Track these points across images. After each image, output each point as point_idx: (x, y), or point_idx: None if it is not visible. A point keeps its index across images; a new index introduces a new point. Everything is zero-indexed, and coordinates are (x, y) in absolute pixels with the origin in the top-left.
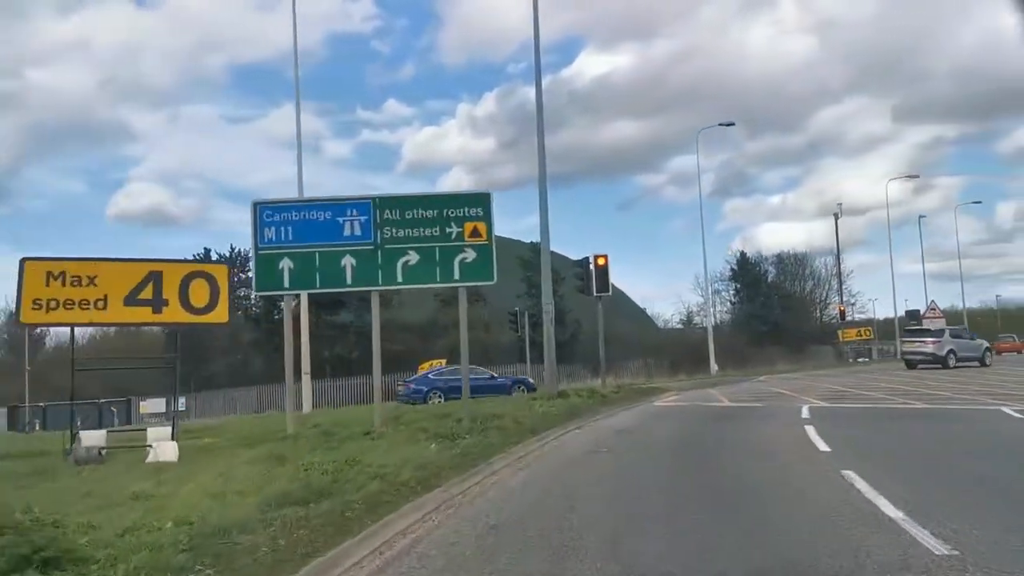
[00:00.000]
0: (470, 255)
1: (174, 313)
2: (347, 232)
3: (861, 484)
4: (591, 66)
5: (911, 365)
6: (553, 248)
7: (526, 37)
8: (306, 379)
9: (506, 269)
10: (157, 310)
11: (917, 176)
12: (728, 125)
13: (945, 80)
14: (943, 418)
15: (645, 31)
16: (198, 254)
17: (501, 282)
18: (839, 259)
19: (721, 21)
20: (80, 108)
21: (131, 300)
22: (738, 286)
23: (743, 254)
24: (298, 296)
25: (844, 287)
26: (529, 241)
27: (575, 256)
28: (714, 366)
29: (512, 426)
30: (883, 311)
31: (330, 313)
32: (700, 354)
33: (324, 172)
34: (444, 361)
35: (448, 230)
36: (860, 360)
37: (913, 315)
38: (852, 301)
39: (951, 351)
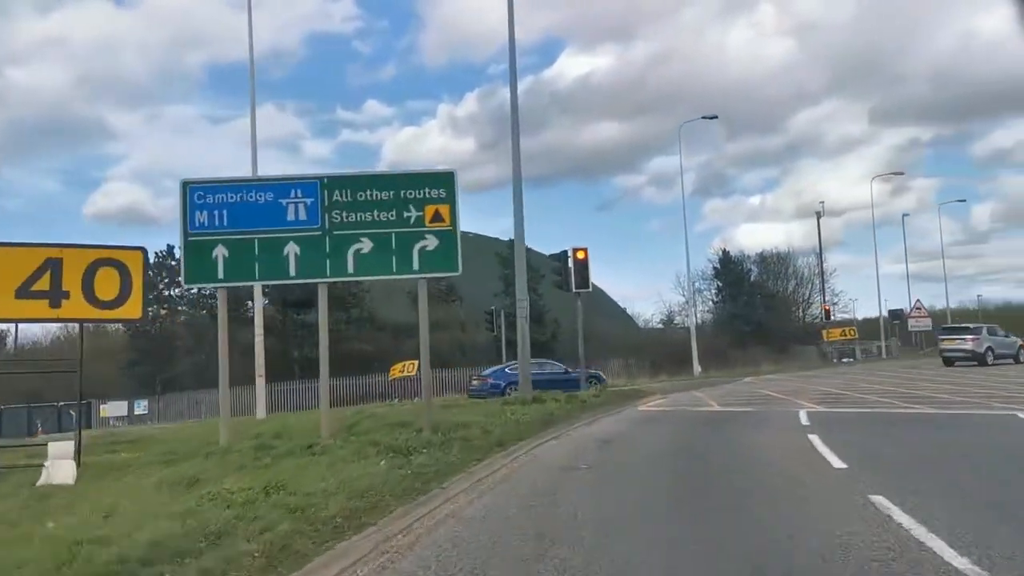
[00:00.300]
0: (431, 242)
1: (76, 308)
2: (291, 216)
3: (901, 516)
4: (572, 67)
5: (949, 362)
6: (532, 247)
7: (507, 38)
8: (260, 382)
9: (484, 267)
10: (55, 304)
11: (902, 173)
12: (711, 118)
13: (921, 83)
14: (958, 425)
15: (625, 33)
16: (160, 252)
17: (478, 280)
18: (821, 258)
19: (701, 23)
20: (59, 107)
21: (23, 292)
22: (720, 285)
23: (725, 252)
24: (252, 289)
25: (827, 287)
26: (508, 239)
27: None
28: (697, 367)
29: (479, 437)
30: (861, 311)
31: (299, 312)
32: (682, 354)
33: (303, 172)
34: (416, 363)
35: (406, 214)
36: (844, 360)
37: (896, 315)
38: (835, 301)
39: (989, 348)
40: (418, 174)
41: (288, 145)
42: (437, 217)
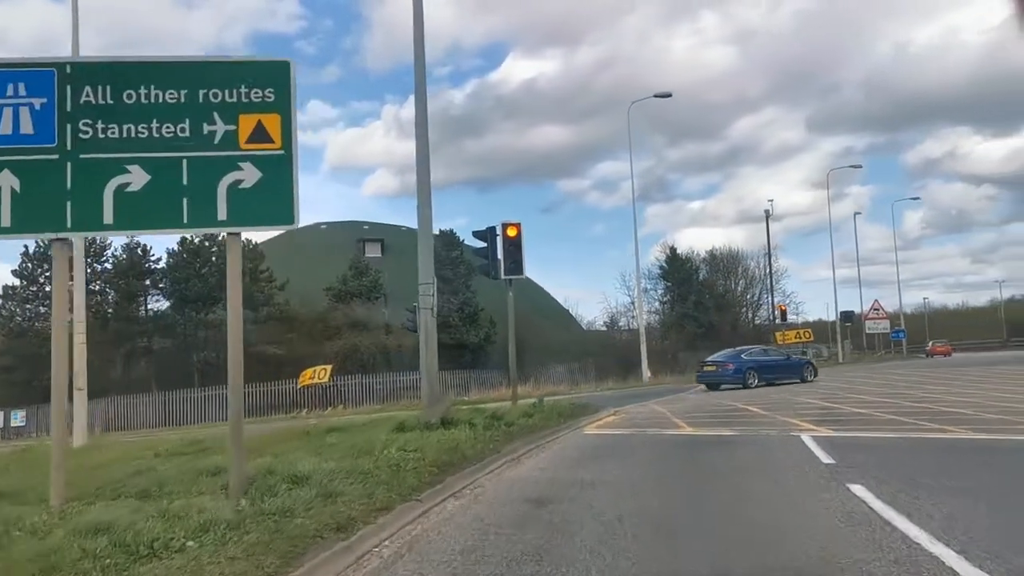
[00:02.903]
0: (250, 175)
1: None
2: (5, 128)
3: None
4: (517, 71)
5: None
6: (472, 244)
7: (453, 41)
8: (79, 397)
9: (411, 262)
10: None
11: (860, 166)
12: (665, 96)
13: (855, 93)
14: None
15: (570, 38)
16: (42, 243)
17: (410, 277)
18: (770, 257)
19: (644, 30)
20: None
21: None
22: (668, 284)
23: (673, 250)
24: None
25: (777, 288)
26: (439, 231)
27: None
28: (646, 372)
29: (312, 507)
30: (804, 315)
31: (199, 310)
32: (630, 358)
33: None
34: (330, 368)
35: (209, 128)
36: None
37: (848, 316)
38: (787, 302)
39: None
40: (229, 63)
41: None
42: (260, 135)
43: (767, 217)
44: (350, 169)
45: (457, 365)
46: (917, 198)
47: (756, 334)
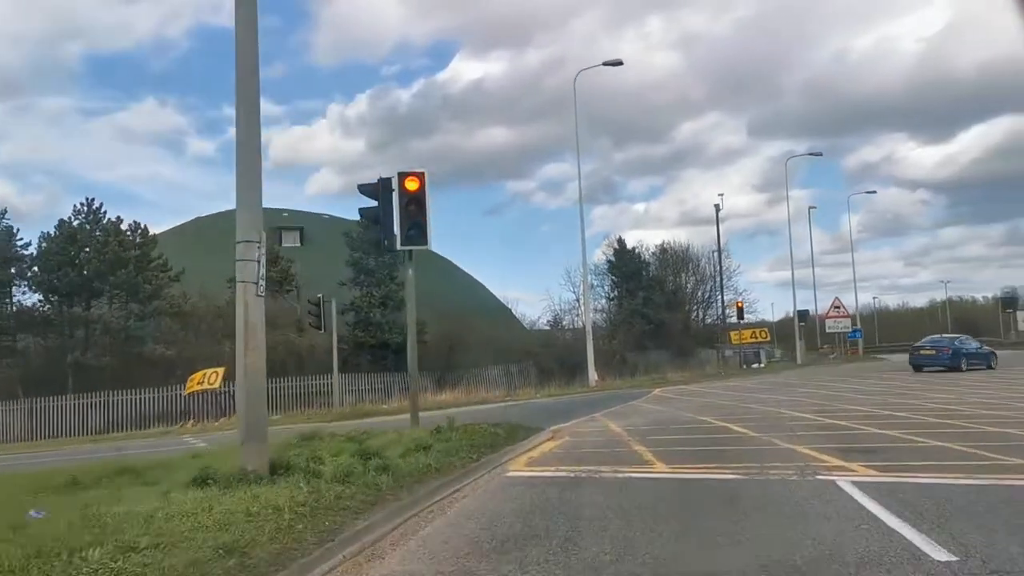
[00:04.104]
0: None
1: None
2: None
3: None
4: (464, 71)
5: None
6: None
7: (400, 39)
8: None
9: (339, 252)
10: None
11: (820, 154)
12: (616, 64)
13: (795, 98)
14: None
15: (518, 40)
16: None
17: (325, 269)
18: (720, 253)
19: (591, 34)
20: None
21: None
22: (616, 279)
23: (622, 242)
24: None
25: (729, 285)
26: (359, 218)
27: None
28: (593, 375)
29: None
30: (752, 314)
31: (74, 303)
32: (574, 360)
33: (186, 170)
34: (221, 372)
35: None
36: (754, 365)
37: (803, 315)
38: (743, 297)
39: None
40: None
41: (170, 142)
42: None
43: (717, 212)
44: (295, 167)
45: (380, 367)
46: (874, 191)
47: (708, 333)
